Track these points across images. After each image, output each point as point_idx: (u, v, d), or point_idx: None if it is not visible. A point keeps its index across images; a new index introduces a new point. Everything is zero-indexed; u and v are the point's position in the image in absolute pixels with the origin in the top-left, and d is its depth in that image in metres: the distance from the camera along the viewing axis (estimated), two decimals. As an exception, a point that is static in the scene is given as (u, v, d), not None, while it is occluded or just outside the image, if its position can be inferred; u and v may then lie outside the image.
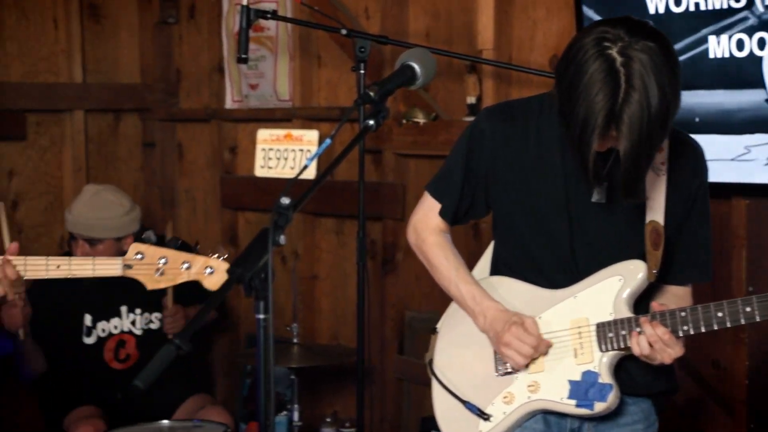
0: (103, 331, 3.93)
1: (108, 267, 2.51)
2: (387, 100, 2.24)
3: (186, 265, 2.46)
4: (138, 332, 3.97)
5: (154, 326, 4.00)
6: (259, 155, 4.40)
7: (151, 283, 2.47)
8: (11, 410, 4.47)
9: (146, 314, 3.99)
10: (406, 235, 2.48)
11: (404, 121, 3.85)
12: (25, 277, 2.47)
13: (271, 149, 4.36)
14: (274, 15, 3.57)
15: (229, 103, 4.69)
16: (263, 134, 4.40)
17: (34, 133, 4.63)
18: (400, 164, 3.96)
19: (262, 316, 1.72)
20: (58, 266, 2.48)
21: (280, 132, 4.35)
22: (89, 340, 3.92)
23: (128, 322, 3.97)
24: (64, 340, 3.89)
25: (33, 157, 4.64)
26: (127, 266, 2.47)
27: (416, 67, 2.35)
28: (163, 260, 2.47)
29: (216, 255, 2.49)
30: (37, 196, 4.65)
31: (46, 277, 2.50)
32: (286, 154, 4.31)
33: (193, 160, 4.91)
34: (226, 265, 2.46)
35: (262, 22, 4.05)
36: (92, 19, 4.78)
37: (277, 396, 3.93)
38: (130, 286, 3.93)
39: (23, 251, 2.57)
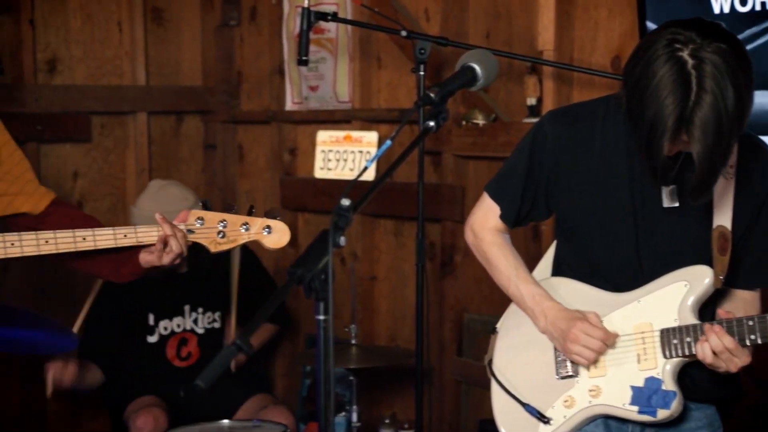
0: (166, 329, 3.99)
1: None
2: (447, 101, 2.23)
3: (245, 227, 2.57)
4: (200, 331, 4.03)
5: (216, 325, 4.05)
6: (318, 157, 4.42)
7: (214, 246, 2.58)
8: (74, 409, 4.54)
9: (209, 313, 4.05)
10: (464, 235, 2.47)
11: (464, 123, 3.83)
12: (95, 247, 2.57)
13: (330, 151, 4.37)
14: (334, 17, 3.58)
15: (289, 105, 4.71)
16: (323, 136, 4.42)
17: (98, 135, 4.69)
18: (459, 166, 3.94)
19: (322, 318, 1.71)
20: (125, 235, 2.59)
21: (340, 134, 4.36)
22: (152, 339, 3.98)
23: (190, 321, 4.02)
24: (127, 338, 3.96)
25: (97, 158, 4.70)
26: (190, 231, 2.57)
27: (477, 68, 2.34)
28: (222, 223, 2.57)
29: (271, 216, 2.59)
30: (101, 197, 4.72)
31: (114, 246, 2.59)
32: (345, 155, 4.31)
33: (254, 162, 4.95)
34: (282, 224, 2.58)
35: (323, 24, 4.06)
36: (155, 22, 4.83)
37: (336, 397, 3.94)
38: (193, 285, 4.02)
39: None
